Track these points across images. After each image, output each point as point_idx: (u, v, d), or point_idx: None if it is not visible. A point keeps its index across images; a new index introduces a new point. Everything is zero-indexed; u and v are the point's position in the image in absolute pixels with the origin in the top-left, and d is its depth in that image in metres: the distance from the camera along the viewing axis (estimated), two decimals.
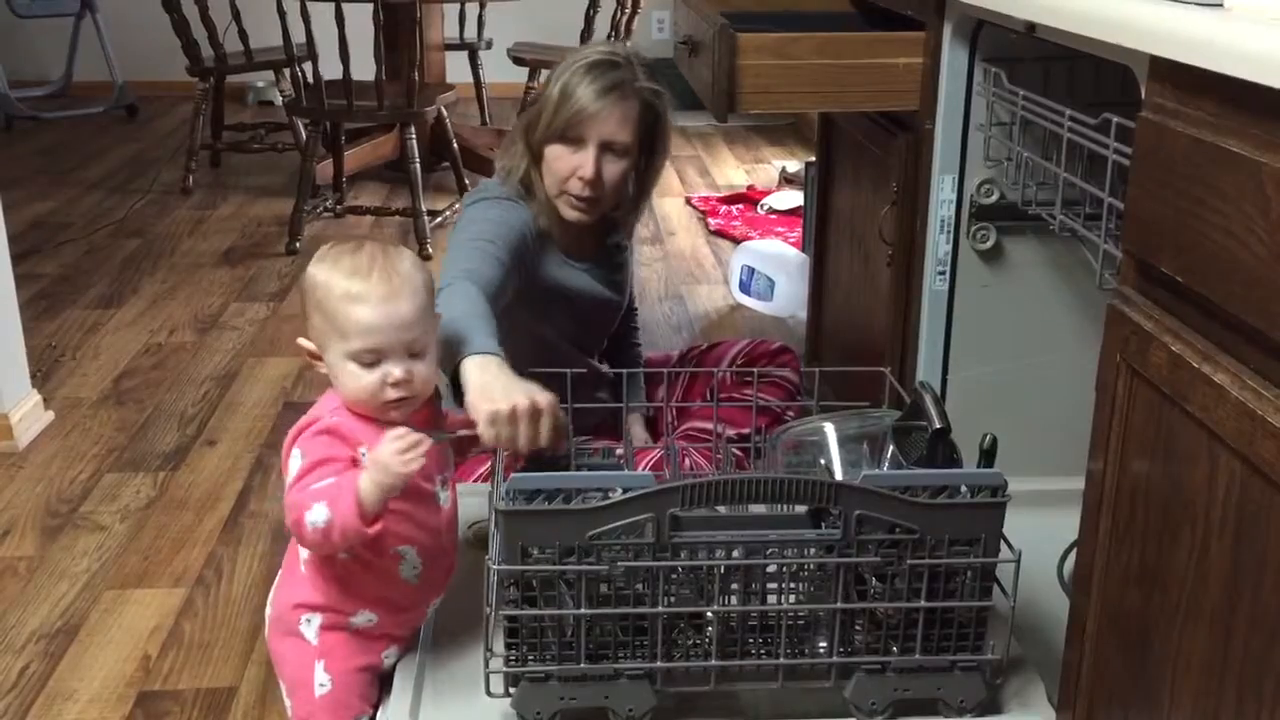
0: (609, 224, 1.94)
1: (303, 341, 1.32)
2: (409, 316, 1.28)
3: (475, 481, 1.86)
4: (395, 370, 1.27)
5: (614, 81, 1.75)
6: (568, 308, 1.90)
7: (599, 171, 1.76)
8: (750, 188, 4.42)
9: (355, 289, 1.25)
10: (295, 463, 1.27)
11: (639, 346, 2.18)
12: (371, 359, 1.26)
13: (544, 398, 1.36)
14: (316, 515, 1.22)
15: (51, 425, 2.50)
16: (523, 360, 1.46)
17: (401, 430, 1.24)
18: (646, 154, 1.85)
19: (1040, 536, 1.47)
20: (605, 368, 2.02)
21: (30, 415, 2.45)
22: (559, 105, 1.75)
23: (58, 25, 5.36)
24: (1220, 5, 1.04)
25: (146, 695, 1.70)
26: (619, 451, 1.68)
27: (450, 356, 1.42)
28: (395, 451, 1.21)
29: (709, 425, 1.86)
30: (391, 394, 1.27)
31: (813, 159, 2.95)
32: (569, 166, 1.76)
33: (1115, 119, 1.27)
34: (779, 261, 3.24)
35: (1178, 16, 1.04)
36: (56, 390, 2.66)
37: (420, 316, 1.30)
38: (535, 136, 1.78)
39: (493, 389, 1.36)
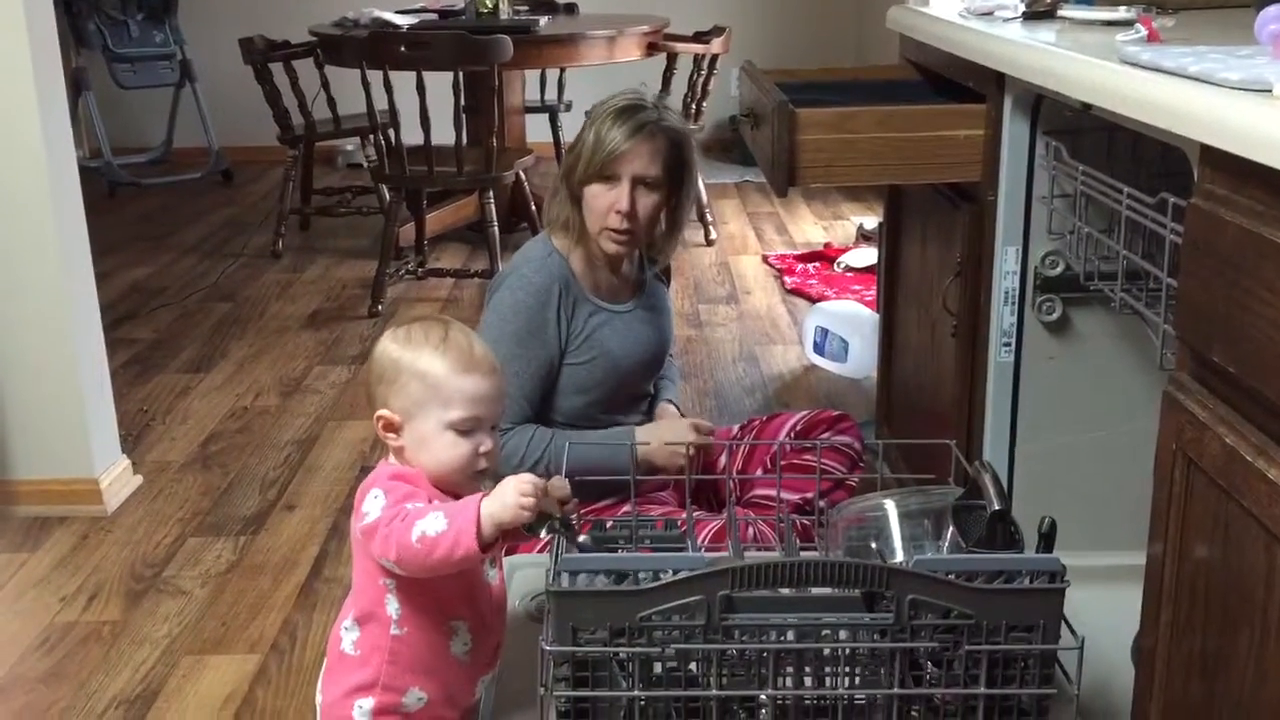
0: (645, 262, 2.08)
1: (384, 412, 1.36)
2: (503, 390, 1.41)
3: (538, 552, 1.87)
4: (487, 441, 1.36)
5: (641, 122, 1.90)
6: (606, 361, 1.98)
7: (634, 204, 1.90)
8: (827, 245, 4.41)
9: (464, 361, 1.35)
10: (379, 500, 1.32)
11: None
12: (469, 428, 1.34)
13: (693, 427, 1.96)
14: (430, 524, 1.26)
15: (140, 489, 2.58)
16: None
17: (528, 475, 1.31)
18: (674, 189, 1.98)
19: (1111, 612, 1.44)
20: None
21: (119, 480, 2.54)
22: (594, 149, 1.91)
23: (158, 95, 5.59)
24: (1269, 91, 1.02)
25: None
26: (682, 519, 1.70)
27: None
28: (517, 488, 1.27)
29: (773, 493, 1.87)
30: (481, 464, 1.36)
31: None
32: (607, 203, 1.92)
33: (1172, 199, 1.26)
34: (853, 322, 3.22)
35: (1227, 103, 1.03)
36: (146, 455, 2.75)
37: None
38: (575, 179, 1.95)
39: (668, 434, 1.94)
